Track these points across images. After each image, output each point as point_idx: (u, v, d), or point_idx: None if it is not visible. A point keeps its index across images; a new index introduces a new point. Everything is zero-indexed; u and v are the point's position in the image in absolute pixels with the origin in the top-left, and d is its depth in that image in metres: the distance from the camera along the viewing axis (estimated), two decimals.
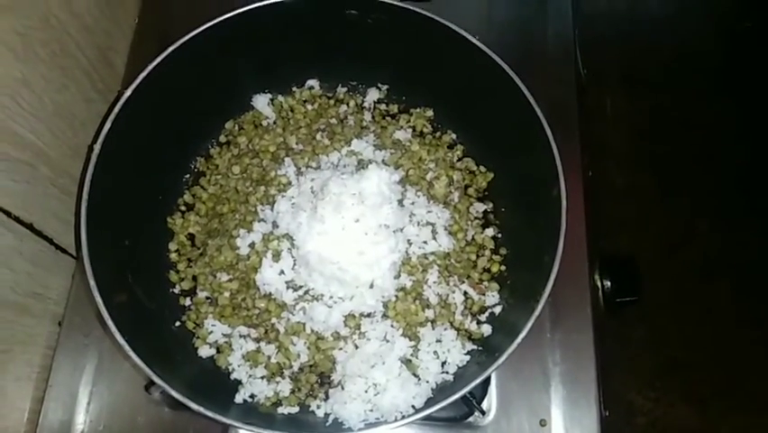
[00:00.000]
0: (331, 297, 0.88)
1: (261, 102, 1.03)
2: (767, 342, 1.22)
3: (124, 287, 0.83)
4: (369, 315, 0.89)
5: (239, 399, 0.83)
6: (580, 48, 1.16)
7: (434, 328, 0.88)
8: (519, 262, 0.92)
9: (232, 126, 1.03)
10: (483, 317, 0.91)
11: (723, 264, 1.24)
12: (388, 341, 0.87)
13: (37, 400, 0.94)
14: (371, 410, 0.81)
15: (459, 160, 1.01)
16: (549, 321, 0.96)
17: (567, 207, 0.78)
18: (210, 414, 0.69)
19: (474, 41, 0.87)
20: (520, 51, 1.11)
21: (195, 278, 0.93)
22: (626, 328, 1.20)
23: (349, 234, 0.84)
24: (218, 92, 0.99)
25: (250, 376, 0.85)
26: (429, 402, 0.81)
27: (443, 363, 0.85)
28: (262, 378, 0.85)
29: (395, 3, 0.89)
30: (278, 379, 0.86)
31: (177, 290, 0.93)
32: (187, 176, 1.00)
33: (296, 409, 0.83)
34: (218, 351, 0.88)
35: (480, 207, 0.97)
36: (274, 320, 0.88)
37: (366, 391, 0.82)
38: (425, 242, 0.92)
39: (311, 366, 0.87)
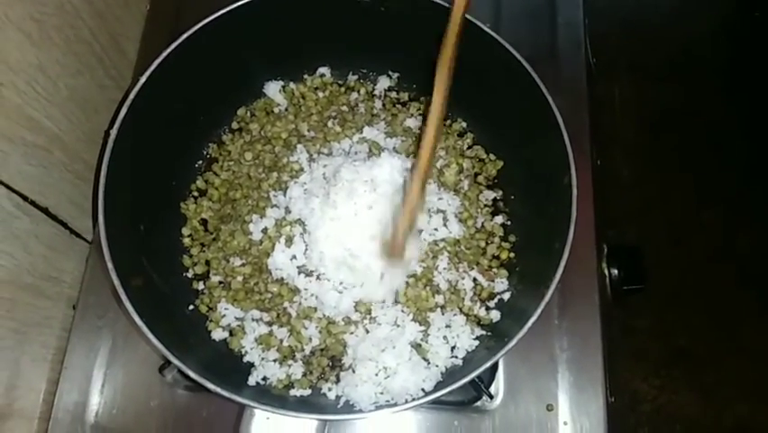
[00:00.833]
0: (341, 282, 0.89)
1: (273, 89, 1.04)
2: None
3: (140, 271, 0.84)
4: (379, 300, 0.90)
5: (252, 381, 0.84)
6: (589, 38, 1.16)
7: (443, 314, 0.89)
8: (528, 250, 0.93)
9: (244, 113, 1.03)
10: (492, 303, 0.92)
11: (728, 254, 1.25)
12: (398, 326, 0.88)
13: (52, 381, 0.95)
14: (382, 393, 0.82)
15: (469, 148, 1.02)
16: (557, 308, 0.97)
17: (577, 195, 0.79)
18: (226, 394, 0.70)
19: (486, 29, 0.87)
20: (531, 41, 1.11)
21: (208, 262, 0.94)
22: (632, 317, 1.21)
23: (361, 220, 0.85)
24: (230, 79, 0.99)
25: (262, 359, 0.86)
26: (438, 386, 0.82)
27: (453, 348, 0.87)
28: (275, 361, 0.87)
29: None
30: (290, 362, 0.87)
31: (190, 275, 0.94)
32: (200, 162, 1.01)
33: (308, 392, 0.84)
34: (231, 334, 0.89)
35: (489, 195, 0.98)
36: (286, 304, 0.90)
37: (377, 375, 0.84)
38: (436, 229, 0.93)
39: (322, 350, 0.89)
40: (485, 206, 0.98)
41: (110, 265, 0.74)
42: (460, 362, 0.86)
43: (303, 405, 0.81)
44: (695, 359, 1.24)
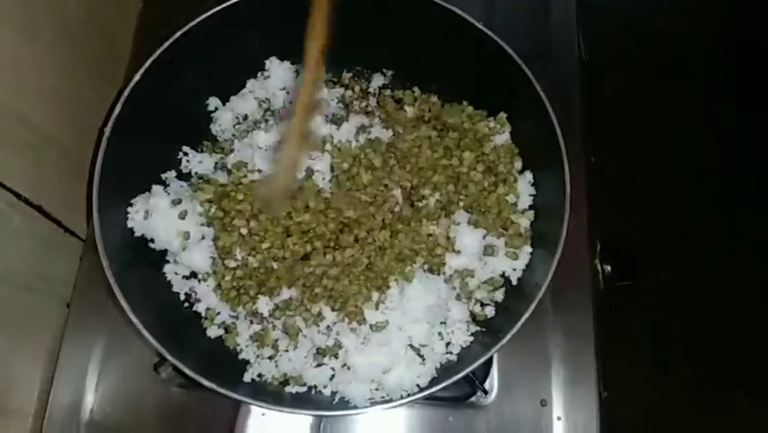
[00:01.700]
0: None
1: None
2: (765, 327, 1.24)
3: (134, 268, 0.84)
4: None
5: (247, 378, 0.84)
6: (582, 35, 1.16)
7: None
8: None
9: None
10: (487, 300, 0.92)
11: (722, 250, 1.26)
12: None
13: (46, 380, 0.95)
14: (377, 389, 0.83)
15: None
16: (550, 304, 0.97)
17: (570, 192, 0.80)
18: (222, 391, 0.70)
19: (480, 26, 0.88)
20: (524, 37, 1.11)
21: None
22: (626, 313, 1.22)
23: None
24: (224, 77, 0.99)
25: (257, 356, 0.86)
26: (433, 382, 0.83)
27: (448, 344, 0.87)
28: (270, 358, 0.87)
29: None
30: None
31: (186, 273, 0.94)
32: None
33: (303, 389, 0.84)
34: (226, 331, 0.89)
35: None
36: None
37: (372, 370, 0.84)
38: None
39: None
40: None
41: (105, 263, 0.74)
42: (455, 357, 0.86)
43: (298, 401, 0.81)
44: (688, 355, 1.25)
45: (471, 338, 0.87)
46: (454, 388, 0.93)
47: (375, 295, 0.86)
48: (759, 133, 1.33)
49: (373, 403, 0.80)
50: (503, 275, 0.90)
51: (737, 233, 1.26)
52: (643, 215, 1.27)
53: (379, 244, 0.89)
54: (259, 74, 1.02)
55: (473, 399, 0.93)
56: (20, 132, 0.84)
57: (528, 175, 0.92)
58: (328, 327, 0.87)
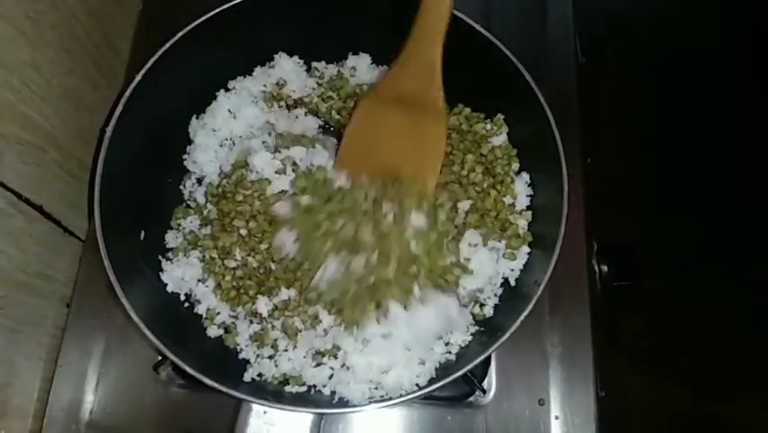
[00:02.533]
0: None
1: None
2: (761, 328, 1.24)
3: (136, 268, 0.84)
4: None
5: (247, 377, 0.85)
6: (578, 36, 1.17)
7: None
8: None
9: None
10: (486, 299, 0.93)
11: (719, 251, 1.26)
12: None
13: (47, 379, 0.95)
14: (376, 388, 0.83)
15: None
16: (548, 304, 0.98)
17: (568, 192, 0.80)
18: (224, 389, 0.71)
19: (478, 28, 0.88)
20: (521, 38, 1.12)
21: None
22: (623, 313, 1.22)
23: None
24: (223, 76, 1.00)
25: (257, 356, 0.87)
26: (432, 381, 0.83)
27: (447, 344, 0.87)
28: (270, 358, 0.87)
29: None
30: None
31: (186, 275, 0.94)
32: None
33: (303, 389, 0.85)
34: (226, 331, 0.89)
35: None
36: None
37: (371, 370, 0.84)
38: None
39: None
40: None
41: (107, 263, 0.74)
42: (453, 357, 0.87)
43: (299, 400, 0.82)
44: (685, 355, 1.25)
45: (470, 338, 0.88)
46: (453, 387, 0.94)
47: (372, 310, 0.84)
48: (759, 134, 1.34)
49: (372, 401, 0.80)
50: (502, 276, 0.90)
51: (736, 233, 1.26)
52: (640, 215, 1.28)
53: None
54: (263, 68, 1.02)
55: (472, 398, 0.94)
56: (22, 132, 0.85)
57: (525, 176, 0.93)
58: (325, 330, 0.87)
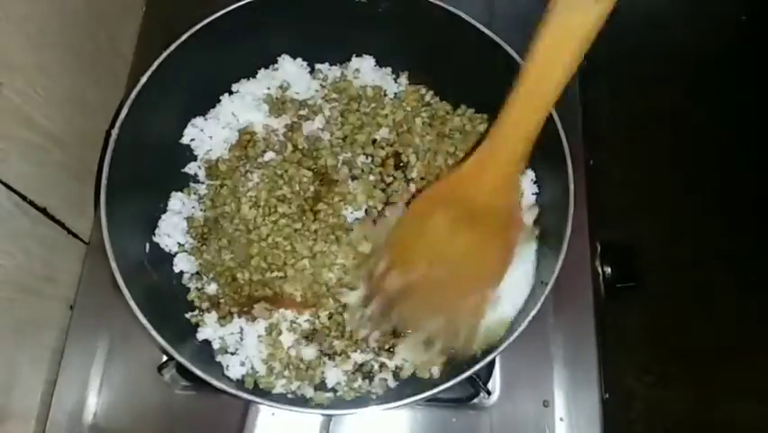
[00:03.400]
0: None
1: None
2: (763, 329, 1.25)
3: (141, 270, 0.84)
4: None
5: None
6: None
7: None
8: None
9: None
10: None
11: (720, 253, 1.27)
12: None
13: (50, 382, 0.95)
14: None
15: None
16: (552, 306, 0.98)
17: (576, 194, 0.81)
18: (232, 391, 0.71)
19: (483, 29, 0.88)
20: (522, 42, 1.12)
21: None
22: (625, 315, 1.23)
23: None
24: (227, 78, 1.00)
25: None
26: (438, 383, 0.83)
27: None
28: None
29: None
30: None
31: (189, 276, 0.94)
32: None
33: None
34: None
35: None
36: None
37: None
38: None
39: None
40: None
41: (113, 265, 0.74)
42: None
43: (305, 400, 0.82)
44: (687, 357, 1.25)
45: None
46: (458, 389, 0.93)
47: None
48: (758, 135, 1.35)
49: (379, 403, 0.80)
50: None
51: (739, 234, 1.27)
52: (643, 217, 1.28)
53: None
54: (266, 71, 1.02)
55: (476, 400, 0.94)
56: (27, 133, 0.85)
57: (531, 174, 0.93)
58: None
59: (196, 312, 0.89)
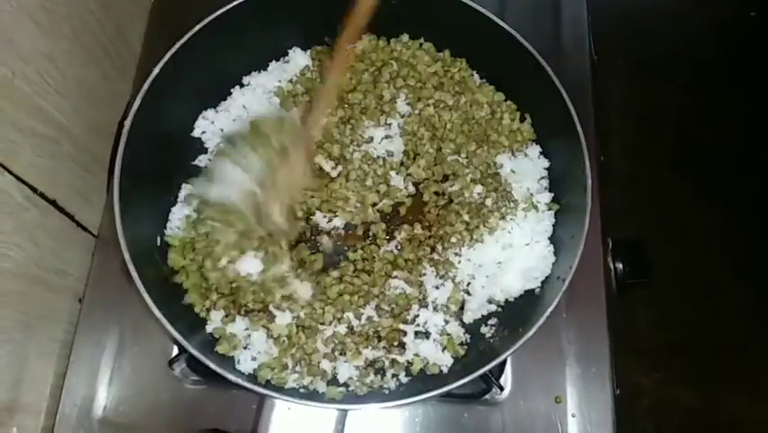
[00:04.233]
0: None
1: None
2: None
3: (152, 263, 0.84)
4: None
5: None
6: (592, 33, 1.17)
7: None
8: None
9: None
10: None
11: (727, 249, 1.27)
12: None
13: (59, 375, 0.94)
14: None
15: None
16: (564, 302, 0.97)
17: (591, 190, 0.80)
18: (248, 385, 0.70)
19: (506, 26, 0.88)
20: (535, 36, 1.10)
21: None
22: (633, 311, 1.23)
23: None
24: (238, 71, 0.99)
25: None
26: (451, 379, 0.82)
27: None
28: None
29: None
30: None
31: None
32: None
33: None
34: None
35: None
36: None
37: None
38: None
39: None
40: None
41: (126, 256, 0.74)
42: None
43: (315, 395, 0.81)
44: (694, 353, 1.26)
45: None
46: (469, 385, 0.92)
47: None
48: (762, 134, 1.35)
49: (392, 398, 0.80)
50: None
51: (743, 232, 1.27)
52: (649, 214, 1.28)
53: None
54: (277, 63, 1.02)
55: (488, 396, 0.94)
56: (38, 125, 0.84)
57: (544, 162, 0.95)
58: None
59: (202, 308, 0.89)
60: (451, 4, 0.90)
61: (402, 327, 0.87)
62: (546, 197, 0.91)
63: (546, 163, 0.94)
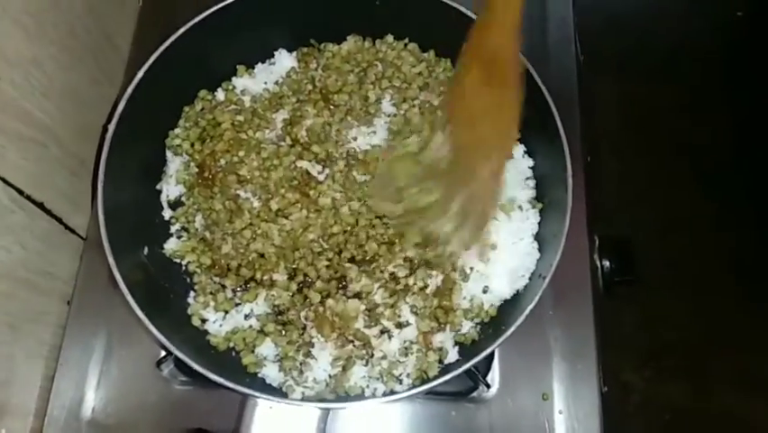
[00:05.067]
0: None
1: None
2: (759, 322, 1.26)
3: (139, 265, 0.84)
4: None
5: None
6: (578, 34, 1.18)
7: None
8: None
9: None
10: None
11: (716, 246, 1.28)
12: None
13: (48, 378, 0.95)
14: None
15: None
16: (551, 299, 0.98)
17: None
18: (230, 385, 0.70)
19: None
20: (521, 38, 1.13)
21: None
22: (621, 308, 1.24)
23: None
24: (224, 73, 1.00)
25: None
26: (437, 376, 0.83)
27: None
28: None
29: None
30: None
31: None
32: None
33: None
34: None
35: None
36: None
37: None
38: None
39: None
40: None
41: (111, 260, 0.74)
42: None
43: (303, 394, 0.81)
44: (683, 350, 1.26)
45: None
46: (457, 382, 0.93)
47: None
48: (752, 132, 1.35)
49: (377, 396, 0.81)
50: None
51: (731, 230, 1.28)
52: (637, 212, 1.29)
53: None
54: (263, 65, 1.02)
55: (475, 393, 0.94)
56: (24, 128, 0.84)
57: (528, 161, 0.94)
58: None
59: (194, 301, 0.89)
60: (434, 5, 0.90)
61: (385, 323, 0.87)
62: (530, 195, 0.92)
63: (531, 162, 0.94)
